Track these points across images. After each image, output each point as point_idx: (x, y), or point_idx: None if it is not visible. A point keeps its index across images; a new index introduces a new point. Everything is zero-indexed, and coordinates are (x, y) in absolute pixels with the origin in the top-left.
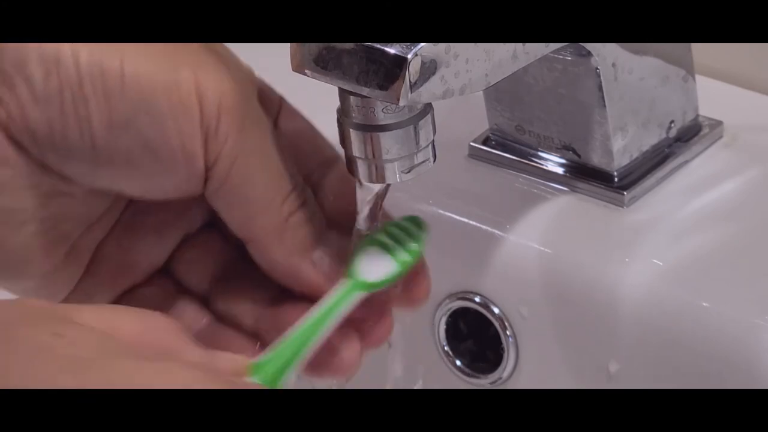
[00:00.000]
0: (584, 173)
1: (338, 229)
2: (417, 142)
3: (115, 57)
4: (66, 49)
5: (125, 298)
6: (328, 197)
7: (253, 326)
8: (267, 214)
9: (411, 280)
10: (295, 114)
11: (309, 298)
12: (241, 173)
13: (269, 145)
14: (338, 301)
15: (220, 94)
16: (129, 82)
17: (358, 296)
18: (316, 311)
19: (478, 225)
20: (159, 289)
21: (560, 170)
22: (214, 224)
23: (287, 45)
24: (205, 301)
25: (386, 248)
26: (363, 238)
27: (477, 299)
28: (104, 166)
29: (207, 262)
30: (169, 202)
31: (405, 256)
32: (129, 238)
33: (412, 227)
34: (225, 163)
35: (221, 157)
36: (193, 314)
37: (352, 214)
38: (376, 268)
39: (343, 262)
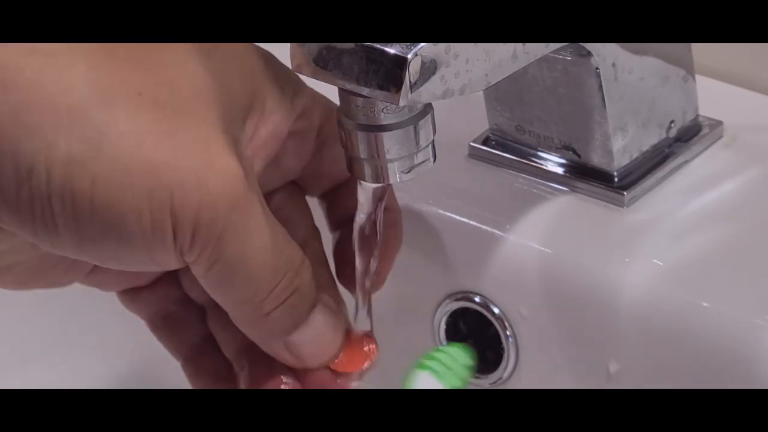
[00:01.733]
0: (584, 173)
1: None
2: (417, 142)
3: (87, 176)
4: (41, 160)
5: (128, 294)
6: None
7: (231, 356)
8: (245, 309)
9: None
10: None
11: None
12: (218, 275)
13: (251, 247)
14: None
15: (197, 210)
16: (99, 205)
17: None
18: None
19: (478, 225)
20: (160, 296)
21: (560, 170)
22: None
23: (287, 45)
24: (202, 314)
25: (437, 374)
26: (415, 362)
27: (477, 299)
28: (76, 262)
29: None
30: None
31: (456, 382)
32: None
33: (461, 353)
34: (202, 267)
35: (197, 262)
36: (188, 331)
37: None
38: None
39: (323, 348)
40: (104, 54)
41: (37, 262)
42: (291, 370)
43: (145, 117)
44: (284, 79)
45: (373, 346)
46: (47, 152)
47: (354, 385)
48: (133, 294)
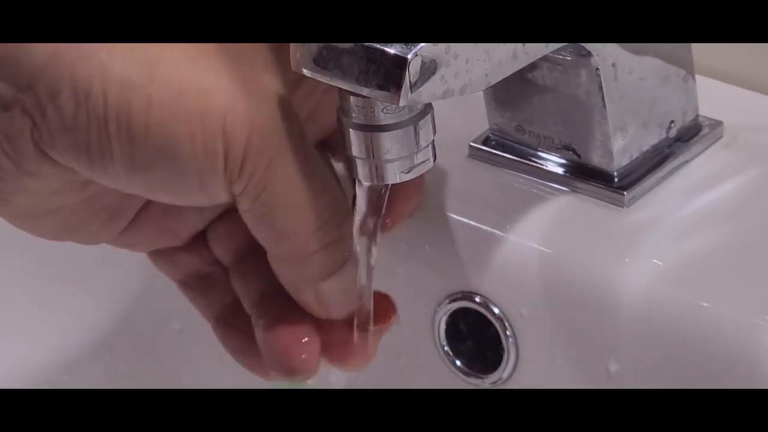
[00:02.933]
0: (584, 173)
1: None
2: (417, 142)
3: (142, 98)
4: (97, 83)
5: (163, 254)
6: None
7: (249, 308)
8: (288, 246)
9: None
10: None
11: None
12: (265, 206)
13: (299, 179)
14: None
15: (249, 133)
16: (153, 127)
17: None
18: None
19: (478, 225)
20: (195, 256)
21: (560, 170)
22: None
23: (287, 45)
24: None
25: None
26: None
27: (477, 299)
28: (128, 188)
29: (233, 239)
30: None
31: None
32: (172, 207)
33: None
34: (249, 196)
35: (245, 192)
36: (220, 292)
37: None
38: None
39: (346, 303)
40: None
41: (82, 206)
42: (310, 325)
43: (199, 47)
44: None
45: (393, 306)
46: (103, 75)
47: (371, 343)
48: (168, 254)
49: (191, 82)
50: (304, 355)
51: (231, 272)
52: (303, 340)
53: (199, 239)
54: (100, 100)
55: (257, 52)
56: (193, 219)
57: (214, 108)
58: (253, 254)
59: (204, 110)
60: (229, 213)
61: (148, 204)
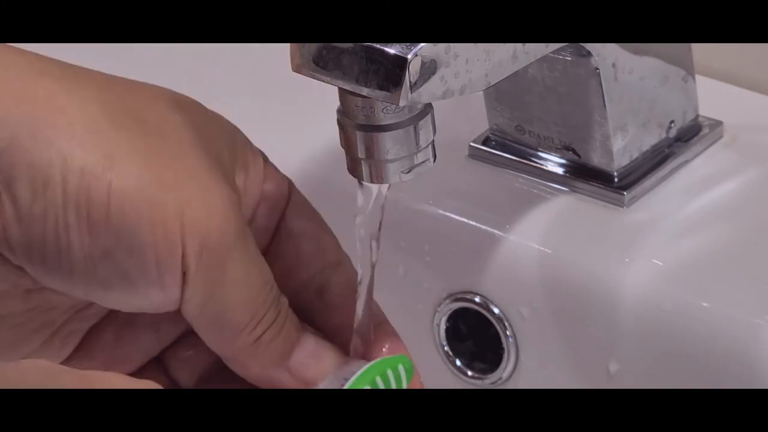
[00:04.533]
0: (584, 173)
1: (339, 334)
2: (417, 143)
3: (103, 185)
4: (56, 171)
5: None
6: (332, 301)
7: None
8: (241, 337)
9: None
10: (304, 210)
11: None
12: (218, 305)
13: (249, 272)
14: None
15: (206, 231)
16: (114, 215)
17: None
18: None
19: (478, 225)
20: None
21: (560, 170)
22: None
23: (287, 45)
24: None
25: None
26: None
27: (477, 299)
28: (79, 286)
29: (198, 362)
30: None
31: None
32: (125, 328)
33: (400, 367)
34: (202, 296)
35: (199, 291)
36: None
37: (351, 318)
38: None
39: (322, 358)
40: (107, 81)
41: (25, 318)
42: None
43: (152, 141)
44: (253, 147)
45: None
46: (63, 163)
47: None
48: None
49: (150, 174)
50: None
51: None
52: None
53: (154, 365)
54: (59, 189)
55: (208, 149)
56: (148, 343)
57: (174, 201)
58: (219, 375)
59: (164, 201)
60: (185, 338)
61: (98, 327)
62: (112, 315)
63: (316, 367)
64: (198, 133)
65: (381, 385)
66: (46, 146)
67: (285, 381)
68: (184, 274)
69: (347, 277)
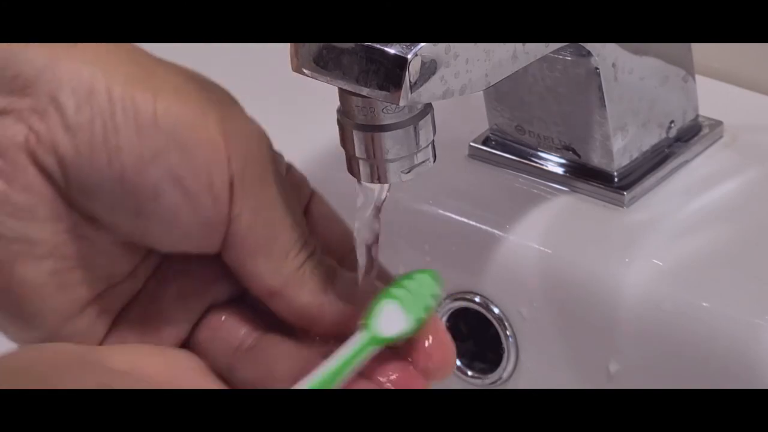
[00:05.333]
0: (584, 173)
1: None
2: (417, 142)
3: (147, 92)
4: (100, 81)
5: None
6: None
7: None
8: (288, 263)
9: (428, 348)
10: (325, 203)
11: (330, 340)
12: (264, 225)
13: (287, 199)
14: (354, 355)
15: (247, 146)
16: (161, 116)
17: (373, 350)
18: (332, 363)
19: (478, 225)
20: None
21: (560, 170)
22: (241, 299)
23: (287, 45)
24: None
25: (402, 302)
26: (379, 291)
27: (477, 299)
28: (129, 199)
29: (230, 336)
30: (194, 272)
31: (420, 312)
32: (154, 304)
33: (428, 280)
34: (249, 215)
35: (246, 205)
36: None
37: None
38: (392, 323)
39: (364, 289)
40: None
41: (67, 265)
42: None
43: (189, 73)
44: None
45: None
46: (106, 75)
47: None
48: None
49: (190, 88)
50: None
51: (234, 371)
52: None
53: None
54: (104, 96)
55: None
56: (178, 321)
57: (215, 113)
58: (259, 350)
59: (206, 110)
60: (219, 310)
61: (129, 305)
62: (142, 293)
63: (365, 290)
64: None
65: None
66: (88, 62)
67: (335, 307)
68: (231, 182)
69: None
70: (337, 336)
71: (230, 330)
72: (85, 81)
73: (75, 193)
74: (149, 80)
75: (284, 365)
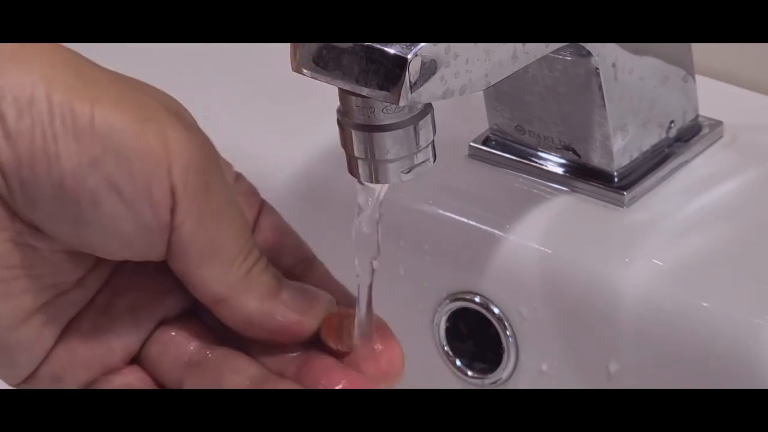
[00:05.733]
0: (584, 173)
1: None
2: (417, 143)
3: (86, 100)
4: (41, 89)
5: (99, 383)
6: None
7: None
8: (233, 271)
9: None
10: (276, 213)
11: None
12: (209, 233)
13: (232, 208)
14: None
15: (189, 155)
16: (99, 123)
17: None
18: None
19: (478, 225)
20: (134, 379)
21: (560, 170)
22: (192, 312)
23: (287, 45)
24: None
25: None
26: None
27: (477, 299)
28: (69, 206)
29: (180, 351)
30: (146, 285)
31: None
32: (105, 316)
33: None
34: (193, 223)
35: (189, 214)
36: None
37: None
38: None
39: (309, 297)
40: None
41: (8, 275)
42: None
43: (131, 81)
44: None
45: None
46: (46, 83)
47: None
48: (106, 382)
49: (131, 98)
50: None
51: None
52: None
53: (136, 366)
54: (44, 104)
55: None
56: (128, 334)
57: (156, 120)
58: (200, 369)
59: (147, 117)
60: (170, 324)
61: (77, 319)
62: (91, 306)
63: (310, 298)
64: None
65: None
66: (29, 71)
67: (282, 313)
68: (172, 191)
69: (324, 270)
70: (284, 345)
71: (180, 344)
72: (27, 89)
73: (17, 202)
74: (90, 89)
75: (233, 380)
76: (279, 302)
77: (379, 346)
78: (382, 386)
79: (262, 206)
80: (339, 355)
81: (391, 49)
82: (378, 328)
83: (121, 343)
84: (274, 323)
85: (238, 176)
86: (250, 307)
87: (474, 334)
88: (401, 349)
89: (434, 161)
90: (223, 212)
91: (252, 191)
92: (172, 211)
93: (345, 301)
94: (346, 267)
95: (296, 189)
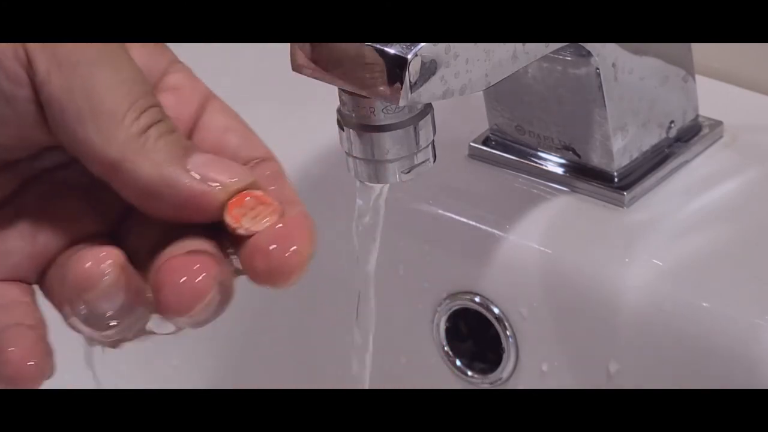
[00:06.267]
0: (584, 173)
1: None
2: (417, 143)
3: None
4: None
5: None
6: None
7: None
8: (123, 129)
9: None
10: (226, 109)
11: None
12: (87, 83)
13: (114, 53)
14: None
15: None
16: None
17: None
18: None
19: (478, 225)
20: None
21: (560, 170)
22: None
23: (287, 45)
24: None
25: None
26: None
27: (477, 299)
28: None
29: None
30: (54, 208)
31: None
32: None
33: None
34: (59, 75)
35: (53, 69)
36: None
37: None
38: None
39: (220, 166)
40: None
41: None
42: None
43: None
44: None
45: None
46: None
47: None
48: None
49: None
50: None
51: None
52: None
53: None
54: None
55: None
56: (23, 255)
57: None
58: None
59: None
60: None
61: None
62: None
63: (223, 166)
64: None
65: None
66: None
67: (186, 181)
68: (23, 46)
69: (276, 169)
70: (185, 220)
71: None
72: None
73: None
74: None
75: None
76: (181, 169)
77: (276, 243)
78: (269, 287)
79: (205, 107)
80: (237, 239)
81: (391, 49)
82: (294, 220)
83: (14, 263)
84: (173, 195)
85: (176, 69)
86: (146, 172)
87: (474, 334)
88: (306, 252)
89: (434, 161)
90: (100, 59)
91: (188, 87)
92: (29, 63)
93: (291, 208)
94: (345, 267)
95: (296, 189)
